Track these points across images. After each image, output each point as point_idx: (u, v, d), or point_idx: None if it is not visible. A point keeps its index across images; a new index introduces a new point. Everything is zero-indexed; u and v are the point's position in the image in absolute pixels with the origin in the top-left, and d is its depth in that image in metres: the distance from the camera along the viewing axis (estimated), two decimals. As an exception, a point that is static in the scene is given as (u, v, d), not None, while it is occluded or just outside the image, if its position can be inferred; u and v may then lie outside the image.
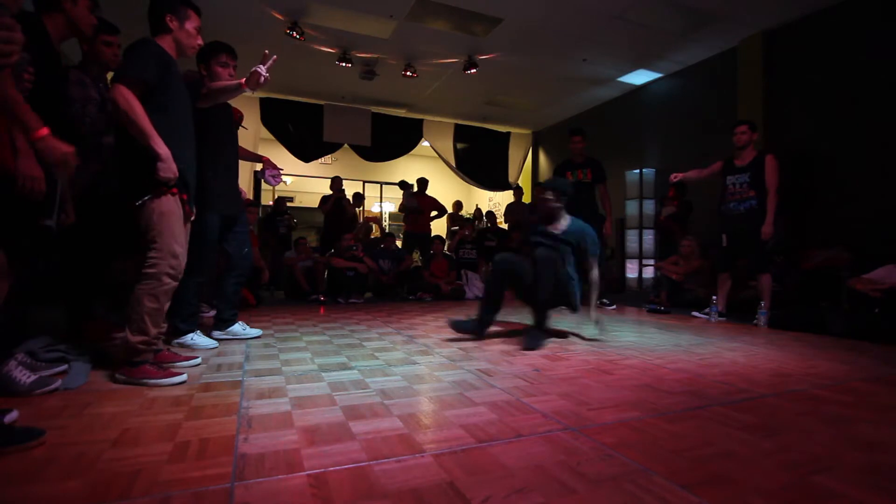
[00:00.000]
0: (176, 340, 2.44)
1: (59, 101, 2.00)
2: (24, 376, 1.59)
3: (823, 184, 4.47)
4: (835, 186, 4.38)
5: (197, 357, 2.14)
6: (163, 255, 1.81)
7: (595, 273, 2.91)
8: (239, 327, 2.74)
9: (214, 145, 2.51)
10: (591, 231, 2.92)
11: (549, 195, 2.91)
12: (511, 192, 7.87)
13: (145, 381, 1.73)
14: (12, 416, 1.22)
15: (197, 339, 2.48)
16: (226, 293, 2.73)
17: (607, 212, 4.49)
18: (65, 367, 1.89)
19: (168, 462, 1.11)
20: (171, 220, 1.84)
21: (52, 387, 1.63)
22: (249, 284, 4.71)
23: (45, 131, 1.38)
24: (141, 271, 1.82)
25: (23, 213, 1.60)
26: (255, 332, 2.81)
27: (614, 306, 4.51)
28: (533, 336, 2.64)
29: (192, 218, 2.19)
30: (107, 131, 2.42)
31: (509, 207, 7.30)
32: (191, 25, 1.99)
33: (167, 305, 1.89)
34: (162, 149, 1.77)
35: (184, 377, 1.79)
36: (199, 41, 2.04)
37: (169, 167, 1.78)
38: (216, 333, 2.66)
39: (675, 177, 3.93)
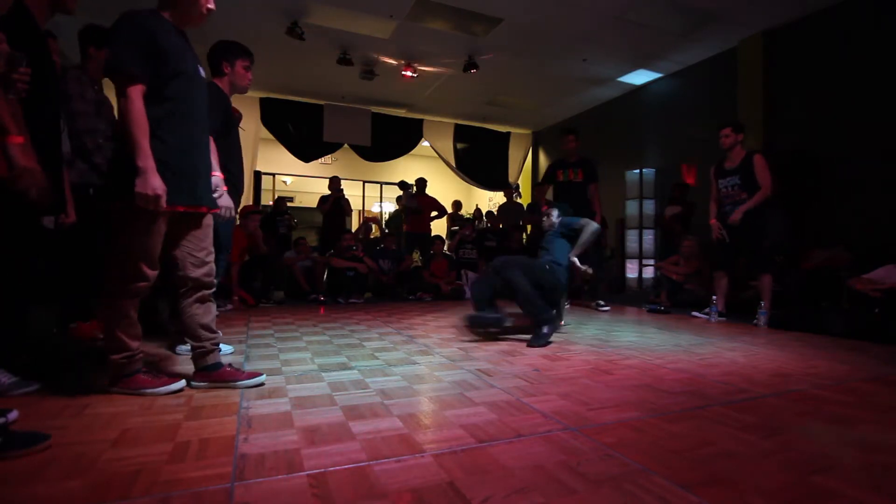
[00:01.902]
0: (179, 347, 2.27)
1: (46, 100, 1.99)
2: (5, 378, 1.62)
3: (823, 184, 4.46)
4: (835, 186, 4.38)
5: None
6: (123, 275, 1.61)
7: (591, 226, 3.19)
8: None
9: (231, 149, 2.46)
10: (568, 216, 3.38)
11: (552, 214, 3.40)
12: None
13: (142, 391, 1.64)
14: (13, 415, 1.22)
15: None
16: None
17: (597, 212, 4.51)
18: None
19: (168, 462, 1.12)
20: (144, 235, 1.61)
21: (32, 388, 1.64)
22: (251, 281, 4.73)
23: (20, 139, 1.37)
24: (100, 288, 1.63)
25: (22, 213, 1.59)
26: (227, 348, 2.40)
27: (608, 308, 4.49)
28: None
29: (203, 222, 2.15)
30: (98, 132, 2.41)
31: (502, 208, 7.30)
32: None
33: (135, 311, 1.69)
34: (145, 161, 1.49)
35: (181, 384, 1.70)
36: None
37: (148, 182, 1.48)
38: (181, 348, 2.32)
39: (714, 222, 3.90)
